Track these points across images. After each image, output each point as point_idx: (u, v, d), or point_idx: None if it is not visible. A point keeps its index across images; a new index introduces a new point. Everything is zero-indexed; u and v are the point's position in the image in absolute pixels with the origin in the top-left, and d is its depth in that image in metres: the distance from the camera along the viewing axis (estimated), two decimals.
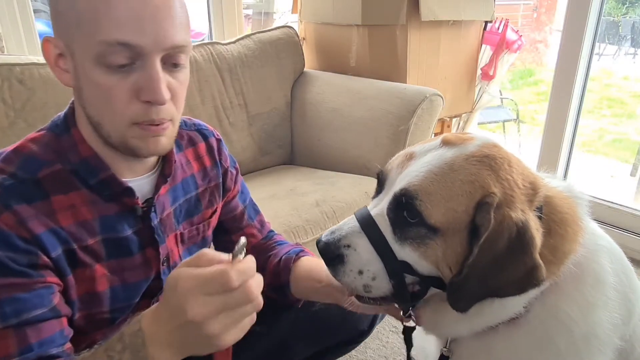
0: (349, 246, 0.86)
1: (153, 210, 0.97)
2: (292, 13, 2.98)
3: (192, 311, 0.67)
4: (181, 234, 1.05)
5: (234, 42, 2.25)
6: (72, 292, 0.89)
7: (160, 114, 0.84)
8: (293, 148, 2.40)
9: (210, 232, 1.13)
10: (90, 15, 0.77)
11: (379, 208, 0.87)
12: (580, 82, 2.43)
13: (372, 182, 2.31)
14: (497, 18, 2.63)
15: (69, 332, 0.88)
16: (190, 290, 0.67)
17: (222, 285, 0.66)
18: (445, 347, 0.92)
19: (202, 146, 1.11)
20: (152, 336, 0.71)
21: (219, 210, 1.14)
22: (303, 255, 1.14)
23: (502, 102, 4.07)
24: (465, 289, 0.78)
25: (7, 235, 0.79)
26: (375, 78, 2.29)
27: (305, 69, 2.45)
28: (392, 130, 2.01)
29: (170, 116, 0.88)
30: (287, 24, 2.47)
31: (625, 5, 6.01)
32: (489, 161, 0.82)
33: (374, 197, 0.92)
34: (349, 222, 0.89)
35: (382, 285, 0.87)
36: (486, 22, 2.60)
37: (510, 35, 2.69)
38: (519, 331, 0.84)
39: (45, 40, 0.84)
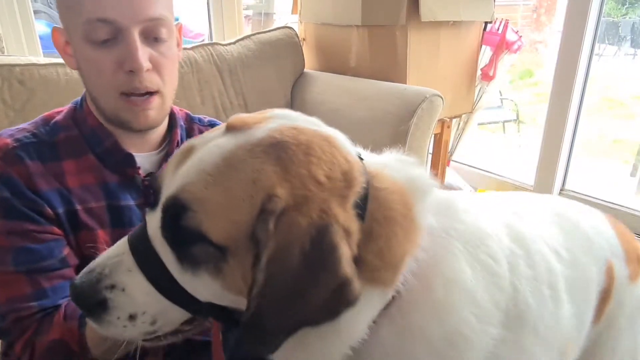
0: (113, 287, 0.66)
1: None
2: (292, 14, 2.98)
3: None
4: None
5: (234, 43, 2.25)
6: (74, 253, 0.96)
7: (143, 82, 0.92)
8: None
9: None
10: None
11: (154, 225, 0.67)
12: (580, 82, 2.43)
13: None
14: (496, 19, 2.63)
15: None
16: None
17: None
18: None
19: None
20: None
21: None
22: None
23: (502, 102, 4.07)
24: (265, 325, 0.60)
25: (18, 184, 0.89)
26: (375, 79, 2.29)
27: (305, 70, 2.45)
28: (392, 130, 2.01)
29: (156, 87, 0.95)
30: (287, 25, 2.47)
31: (625, 6, 6.01)
32: (278, 151, 0.63)
33: (148, 211, 0.72)
34: (117, 251, 0.69)
35: (171, 319, 0.70)
36: (486, 23, 2.60)
37: (510, 35, 2.69)
38: (373, 356, 0.69)
39: (54, 30, 0.96)
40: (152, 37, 0.94)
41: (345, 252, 0.60)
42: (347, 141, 0.76)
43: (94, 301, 0.67)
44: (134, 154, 1.01)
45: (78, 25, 0.90)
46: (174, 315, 0.71)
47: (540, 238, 0.87)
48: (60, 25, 0.97)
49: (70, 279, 0.91)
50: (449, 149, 2.87)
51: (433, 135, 2.36)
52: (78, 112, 1.02)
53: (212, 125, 1.22)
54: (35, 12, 2.37)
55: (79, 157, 0.97)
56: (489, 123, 4.27)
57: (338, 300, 0.61)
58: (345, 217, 0.62)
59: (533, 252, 0.82)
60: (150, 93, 0.95)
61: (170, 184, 0.66)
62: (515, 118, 4.36)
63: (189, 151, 0.68)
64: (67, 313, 0.90)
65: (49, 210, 0.92)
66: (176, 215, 0.63)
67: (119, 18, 0.88)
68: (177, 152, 0.71)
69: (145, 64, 0.92)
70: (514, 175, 2.92)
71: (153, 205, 0.70)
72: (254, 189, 0.61)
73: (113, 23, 0.89)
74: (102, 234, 0.98)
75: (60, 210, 0.94)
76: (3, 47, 2.12)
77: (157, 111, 0.98)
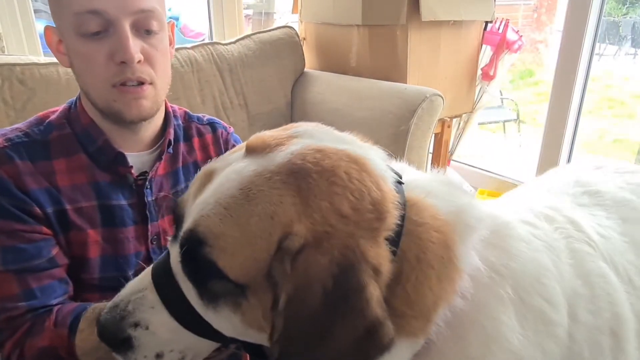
0: (137, 325, 0.64)
1: (148, 186, 1.03)
2: (292, 13, 2.97)
3: None
4: None
5: (234, 42, 2.25)
6: (64, 253, 0.96)
7: (135, 72, 0.92)
8: None
9: None
10: None
11: (175, 258, 0.65)
12: (581, 82, 2.43)
13: None
14: (497, 18, 2.63)
15: (68, 281, 0.96)
16: None
17: None
18: None
19: (209, 137, 1.18)
20: None
21: None
22: None
23: (502, 102, 4.07)
24: None
25: (7, 183, 0.90)
26: (375, 78, 2.29)
27: (305, 69, 2.45)
28: (392, 130, 2.01)
29: (149, 78, 0.95)
30: (288, 24, 2.47)
31: (626, 6, 6.00)
32: (298, 180, 0.58)
33: (170, 240, 0.68)
34: (140, 285, 0.67)
35: (200, 351, 0.68)
36: (486, 22, 2.59)
37: (511, 35, 2.69)
38: None
39: (46, 29, 0.96)
40: (143, 30, 0.94)
41: (375, 292, 0.54)
42: (382, 162, 0.68)
43: (118, 339, 0.65)
44: (126, 153, 1.01)
45: (69, 20, 0.90)
46: (202, 347, 0.68)
47: (613, 269, 0.76)
48: (53, 24, 0.98)
49: (60, 279, 0.94)
50: (450, 149, 2.86)
51: (433, 135, 2.36)
52: (72, 111, 1.02)
53: (210, 123, 1.21)
54: (36, 11, 2.37)
55: (71, 156, 0.97)
56: (490, 123, 4.26)
57: (369, 346, 0.54)
58: (376, 253, 0.56)
59: (599, 293, 0.72)
60: (143, 83, 0.95)
61: (189, 215, 0.63)
62: (516, 118, 4.35)
63: (209, 175, 0.65)
64: (57, 319, 0.90)
65: (38, 210, 0.92)
66: (194, 250, 0.60)
67: (109, 10, 0.88)
68: (197, 176, 0.68)
69: (137, 55, 0.92)
70: (514, 175, 2.92)
71: (175, 234, 0.67)
72: (272, 225, 0.57)
73: (103, 14, 0.88)
74: (92, 234, 0.98)
75: (49, 209, 0.94)
76: (3, 47, 2.12)
77: (150, 101, 0.97)
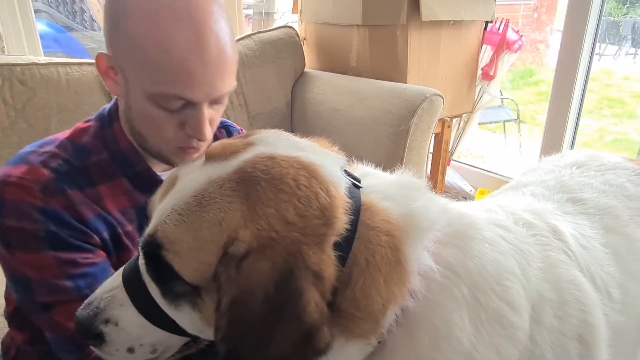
0: (108, 321, 0.68)
1: None
2: (292, 13, 2.98)
3: None
4: None
5: None
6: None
7: (201, 143, 0.95)
8: None
9: None
10: (154, 66, 0.85)
11: (142, 260, 0.69)
12: (581, 82, 2.43)
13: None
14: (497, 18, 2.63)
15: None
16: None
17: None
18: None
19: None
20: None
21: None
22: None
23: (502, 102, 4.07)
24: None
25: (63, 216, 0.88)
26: (375, 78, 2.29)
27: (305, 69, 2.45)
28: (392, 130, 2.01)
29: (209, 139, 0.97)
30: (288, 24, 2.47)
31: (626, 5, 6.01)
32: (247, 188, 0.60)
33: (140, 243, 0.71)
34: (112, 284, 0.71)
35: (171, 345, 0.71)
36: (487, 22, 2.60)
37: (511, 35, 2.69)
38: None
39: (100, 57, 0.92)
40: (215, 104, 0.95)
41: (312, 298, 0.56)
42: (336, 168, 0.68)
43: (92, 334, 0.69)
44: (158, 172, 1.02)
45: (146, 85, 0.88)
46: (172, 342, 0.71)
47: (589, 280, 0.76)
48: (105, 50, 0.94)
49: None
50: (450, 149, 2.87)
51: (433, 135, 2.36)
52: (107, 131, 0.99)
53: (225, 127, 1.22)
54: (36, 11, 2.37)
55: (112, 181, 0.97)
56: (490, 123, 4.26)
57: (307, 349, 0.57)
58: (319, 259, 0.57)
59: (568, 299, 0.72)
60: None
61: (152, 219, 0.66)
62: (516, 118, 4.34)
63: (173, 181, 0.68)
64: None
65: (96, 239, 0.92)
66: (153, 253, 0.63)
67: (195, 98, 0.88)
68: (164, 181, 0.71)
69: (209, 134, 0.94)
70: (514, 175, 2.92)
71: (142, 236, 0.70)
72: (220, 231, 0.59)
73: (188, 100, 0.89)
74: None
75: (105, 234, 0.94)
76: (4, 47, 2.12)
77: (200, 153, 0.99)
